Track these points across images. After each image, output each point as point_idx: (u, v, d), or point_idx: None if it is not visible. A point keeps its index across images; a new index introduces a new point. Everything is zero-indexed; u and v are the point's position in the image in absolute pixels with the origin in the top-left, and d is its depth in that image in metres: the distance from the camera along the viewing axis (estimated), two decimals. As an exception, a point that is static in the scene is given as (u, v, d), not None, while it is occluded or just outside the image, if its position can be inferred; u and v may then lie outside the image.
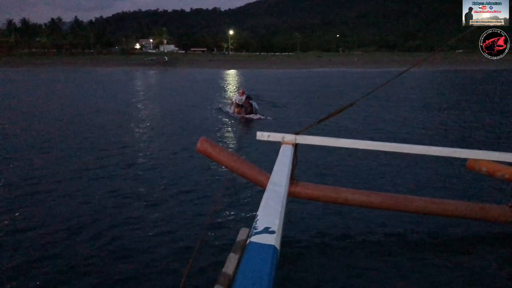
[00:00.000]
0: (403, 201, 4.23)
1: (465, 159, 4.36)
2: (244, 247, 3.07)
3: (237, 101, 14.73)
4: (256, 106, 14.48)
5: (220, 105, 17.01)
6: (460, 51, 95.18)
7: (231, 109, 15.14)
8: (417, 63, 4.75)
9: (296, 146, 4.11)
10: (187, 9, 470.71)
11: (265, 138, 4.19)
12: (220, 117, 14.21)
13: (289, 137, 4.13)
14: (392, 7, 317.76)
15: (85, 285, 3.43)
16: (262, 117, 13.86)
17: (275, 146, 4.26)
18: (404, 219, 4.48)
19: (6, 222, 4.67)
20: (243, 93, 14.94)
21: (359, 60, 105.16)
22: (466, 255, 4.08)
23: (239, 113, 14.21)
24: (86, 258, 3.86)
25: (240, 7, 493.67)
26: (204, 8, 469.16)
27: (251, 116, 13.86)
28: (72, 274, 3.58)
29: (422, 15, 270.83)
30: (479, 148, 4.55)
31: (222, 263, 3.31)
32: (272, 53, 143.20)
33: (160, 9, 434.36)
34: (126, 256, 3.88)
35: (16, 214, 4.92)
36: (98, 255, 3.91)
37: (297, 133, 4.15)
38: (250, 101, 14.35)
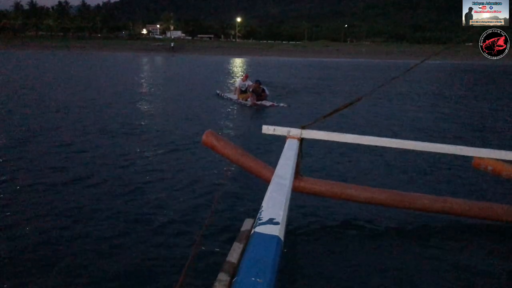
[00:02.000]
0: (408, 198, 4.21)
1: (471, 157, 4.32)
2: (248, 237, 3.10)
3: (240, 87, 13.54)
4: (267, 92, 13.23)
5: (220, 92, 15.35)
6: (470, 44, 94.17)
7: (234, 96, 13.76)
8: (429, 56, 4.69)
9: (301, 140, 4.10)
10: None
11: (271, 132, 4.17)
12: (223, 105, 13.04)
13: (295, 131, 4.12)
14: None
15: (87, 271, 3.46)
16: (275, 104, 12.46)
17: (281, 138, 4.27)
18: (410, 213, 4.47)
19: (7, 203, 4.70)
20: (246, 78, 13.79)
21: (367, 50, 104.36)
22: (470, 251, 4.07)
23: (246, 99, 12.79)
24: (87, 243, 3.88)
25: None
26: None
27: (263, 103, 12.44)
28: (68, 264, 3.61)
29: (432, 7, 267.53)
30: (486, 146, 4.50)
31: (225, 252, 3.35)
32: (280, 42, 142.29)
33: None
34: (126, 243, 3.90)
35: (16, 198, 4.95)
36: (99, 242, 3.93)
37: (303, 127, 4.13)
38: (262, 86, 12.94)
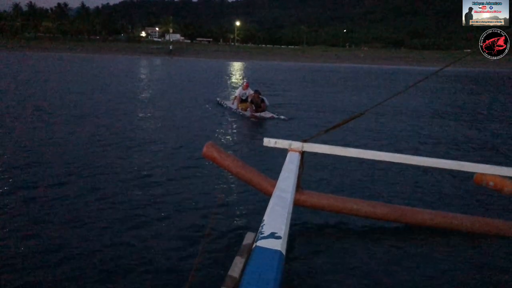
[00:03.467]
0: (409, 213, 4.21)
1: (472, 173, 4.32)
2: (250, 251, 3.07)
3: (240, 96, 12.78)
4: (267, 102, 12.35)
5: (220, 100, 14.71)
6: (468, 50, 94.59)
7: (233, 105, 13.07)
8: (447, 64, 4.66)
9: (303, 153, 4.08)
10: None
11: (272, 145, 4.16)
12: (223, 114, 12.49)
13: (296, 145, 4.11)
14: (401, 5, 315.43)
15: (83, 279, 3.43)
16: (274, 115, 11.73)
17: (281, 150, 4.24)
18: (412, 228, 4.44)
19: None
20: (247, 87, 12.94)
21: (365, 56, 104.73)
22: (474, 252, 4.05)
23: (245, 110, 12.13)
24: (83, 252, 3.85)
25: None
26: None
27: (263, 114, 11.68)
28: (69, 266, 3.58)
29: (431, 13, 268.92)
30: (487, 162, 4.49)
31: (227, 266, 3.32)
32: (278, 46, 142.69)
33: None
34: (126, 256, 3.86)
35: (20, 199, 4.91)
36: (95, 251, 3.90)
37: (304, 141, 4.12)
38: (261, 96, 12.08)
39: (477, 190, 5.32)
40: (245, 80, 15.94)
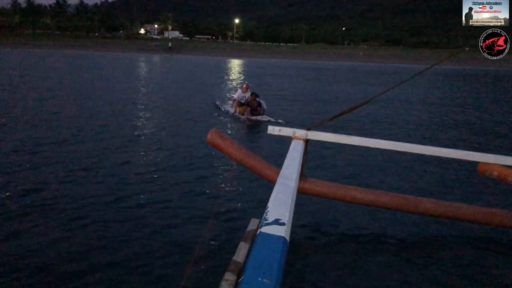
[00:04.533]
0: (412, 202, 4.19)
1: (476, 163, 4.32)
2: (254, 237, 3.07)
3: (239, 99, 12.11)
4: (265, 106, 11.94)
5: (219, 103, 13.87)
6: (467, 48, 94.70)
7: (232, 108, 12.42)
8: (441, 60, 4.71)
9: (307, 142, 4.07)
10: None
11: (276, 133, 4.15)
12: (220, 117, 11.88)
13: (300, 133, 4.09)
14: (400, 3, 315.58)
15: (90, 268, 3.43)
16: (272, 119, 11.29)
17: (285, 141, 4.23)
18: (415, 218, 4.46)
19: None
20: (247, 89, 12.27)
21: (364, 54, 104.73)
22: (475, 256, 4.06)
23: (242, 113, 11.63)
24: (90, 243, 3.86)
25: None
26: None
27: (259, 118, 11.31)
28: (71, 259, 3.58)
29: (430, 11, 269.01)
30: (492, 152, 4.50)
31: (232, 252, 3.33)
32: (277, 44, 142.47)
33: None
34: (131, 241, 3.88)
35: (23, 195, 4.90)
36: (104, 240, 3.90)
37: (308, 129, 4.11)
38: (258, 99, 11.64)
39: (481, 180, 5.33)
40: (246, 82, 14.62)
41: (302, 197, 4.34)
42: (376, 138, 4.22)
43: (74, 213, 4.50)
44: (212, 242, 3.86)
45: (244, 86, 12.52)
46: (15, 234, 4.03)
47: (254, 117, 11.30)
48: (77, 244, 3.85)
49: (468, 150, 4.24)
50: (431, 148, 4.20)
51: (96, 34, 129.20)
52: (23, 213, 4.48)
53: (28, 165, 6.20)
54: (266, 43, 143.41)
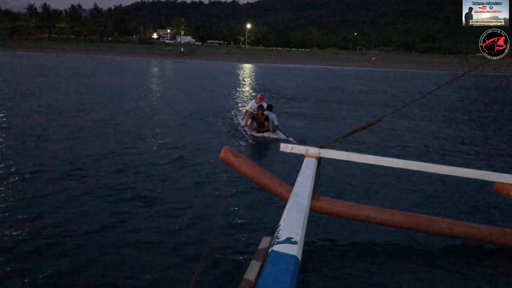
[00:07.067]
0: (425, 222, 4.14)
1: (493, 182, 4.24)
2: (266, 255, 3.06)
3: (252, 110, 10.52)
4: (276, 121, 10.23)
5: (233, 114, 12.64)
6: (479, 54, 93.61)
7: (243, 121, 10.90)
8: (471, 69, 4.64)
9: (319, 160, 4.05)
10: (206, 1, 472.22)
11: (289, 150, 4.14)
12: (233, 130, 10.85)
13: (313, 150, 4.07)
14: (412, 8, 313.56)
15: (95, 278, 3.45)
16: (279, 136, 9.65)
17: (297, 157, 4.22)
18: (431, 236, 4.39)
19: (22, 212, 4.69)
20: (261, 100, 10.84)
21: (376, 59, 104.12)
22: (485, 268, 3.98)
23: (251, 128, 9.94)
24: (93, 250, 3.89)
25: (259, 1, 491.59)
26: (223, 0, 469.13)
27: (265, 135, 9.63)
28: (76, 267, 3.61)
29: (441, 16, 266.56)
30: (508, 172, 4.42)
31: (243, 269, 3.32)
32: (289, 49, 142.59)
33: (179, 0, 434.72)
34: (137, 257, 3.88)
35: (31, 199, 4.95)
36: (106, 249, 3.93)
37: (321, 147, 4.09)
38: (265, 113, 9.97)
39: (497, 199, 5.23)
40: (262, 93, 13.03)
41: (315, 214, 4.32)
42: (389, 151, 4.19)
43: (88, 215, 4.54)
44: (224, 259, 3.85)
45: (258, 96, 11.11)
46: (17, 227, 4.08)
47: (260, 134, 9.65)
48: (81, 245, 3.90)
49: (485, 168, 4.16)
50: (447, 168, 4.15)
51: (110, 38, 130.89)
52: (34, 216, 4.54)
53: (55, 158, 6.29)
54: (278, 48, 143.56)
